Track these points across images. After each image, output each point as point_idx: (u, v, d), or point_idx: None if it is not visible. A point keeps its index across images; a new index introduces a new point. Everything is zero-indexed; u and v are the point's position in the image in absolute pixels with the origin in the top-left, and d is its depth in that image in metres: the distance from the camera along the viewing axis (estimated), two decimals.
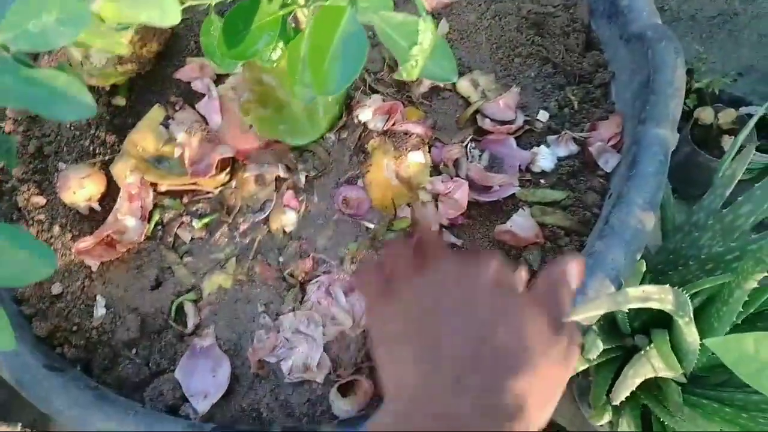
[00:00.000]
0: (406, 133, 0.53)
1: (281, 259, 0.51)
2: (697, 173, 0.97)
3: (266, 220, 0.52)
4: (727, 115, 0.93)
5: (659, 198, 0.48)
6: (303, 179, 0.52)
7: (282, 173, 0.53)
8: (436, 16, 0.61)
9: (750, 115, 1.00)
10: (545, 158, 0.53)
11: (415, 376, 0.33)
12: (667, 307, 0.39)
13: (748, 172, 1.01)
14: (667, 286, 0.39)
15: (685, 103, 1.01)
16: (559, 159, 0.54)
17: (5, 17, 0.29)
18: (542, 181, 0.53)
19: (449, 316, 0.34)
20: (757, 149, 0.98)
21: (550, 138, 0.55)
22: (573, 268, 0.37)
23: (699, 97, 0.99)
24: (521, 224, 0.48)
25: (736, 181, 0.58)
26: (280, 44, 0.43)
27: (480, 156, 0.53)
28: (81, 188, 0.52)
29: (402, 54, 0.32)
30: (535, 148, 0.54)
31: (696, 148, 0.96)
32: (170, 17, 0.35)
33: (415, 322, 0.35)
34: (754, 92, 1.02)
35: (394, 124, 0.53)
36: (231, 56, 0.38)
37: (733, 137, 0.96)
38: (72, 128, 0.56)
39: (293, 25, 0.44)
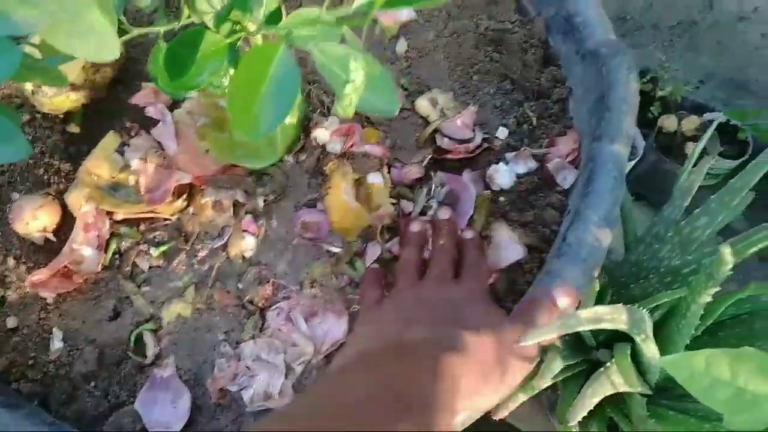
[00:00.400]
0: (364, 155, 0.53)
1: (240, 286, 0.50)
2: (664, 180, 0.99)
3: (225, 247, 0.51)
4: (690, 123, 0.95)
5: (615, 214, 0.49)
6: (261, 203, 0.52)
7: (240, 198, 0.52)
8: (393, 35, 0.61)
9: (712, 121, 1.02)
10: (503, 176, 0.53)
11: (372, 333, 0.40)
12: (621, 327, 0.39)
13: (712, 177, 1.03)
14: (620, 305, 0.39)
15: (650, 111, 1.03)
16: (519, 176, 0.54)
17: None
18: (501, 198, 0.53)
19: (415, 313, 0.41)
20: (721, 155, 1.00)
21: (509, 155, 0.55)
22: (561, 294, 0.41)
23: (663, 105, 1.00)
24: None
25: (694, 192, 0.59)
26: (231, 71, 0.43)
27: (440, 190, 0.53)
28: (34, 219, 0.51)
29: (340, 87, 0.32)
30: (494, 166, 0.54)
31: (661, 155, 0.97)
32: (108, 52, 0.34)
33: (387, 313, 0.42)
34: (715, 98, 1.04)
35: (352, 146, 0.53)
36: (175, 87, 0.37)
37: (696, 144, 0.97)
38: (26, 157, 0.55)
39: (247, 49, 0.44)
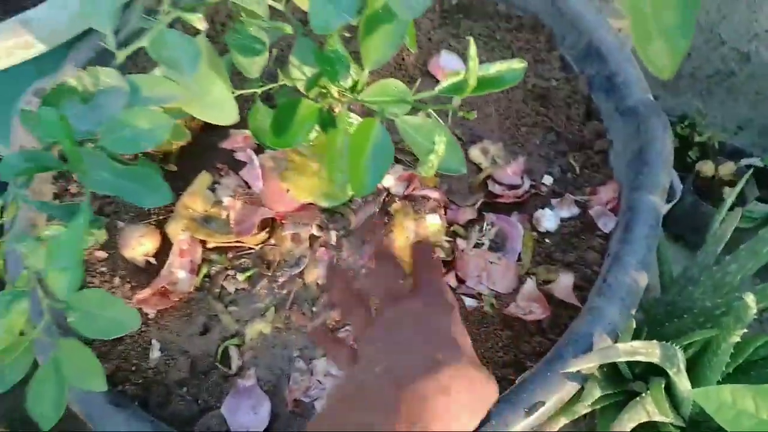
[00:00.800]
0: (424, 197, 0.60)
1: (314, 309, 0.57)
2: (701, 222, 1.02)
3: (301, 274, 0.59)
4: (726, 168, 0.99)
5: (651, 259, 0.54)
6: (334, 237, 0.59)
7: (315, 232, 0.60)
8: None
9: (750, 166, 1.06)
10: (549, 220, 0.59)
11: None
12: (654, 360, 0.44)
13: (751, 221, 1.06)
14: (654, 341, 0.44)
15: (688, 155, 1.07)
16: (563, 220, 0.60)
17: (106, 126, 0.36)
18: (547, 240, 0.59)
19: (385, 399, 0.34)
20: (759, 199, 1.03)
21: (554, 200, 0.61)
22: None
23: (701, 150, 1.05)
24: (528, 293, 0.55)
25: (726, 239, 0.63)
26: (316, 126, 0.51)
27: (490, 229, 0.59)
28: (140, 245, 0.59)
29: (420, 150, 0.39)
30: (540, 210, 0.60)
31: (698, 198, 1.01)
32: (229, 117, 0.43)
33: (364, 390, 0.36)
34: (754, 145, 1.07)
35: (413, 190, 0.60)
36: (278, 144, 0.45)
37: (732, 188, 1.01)
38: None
39: (327, 107, 0.52)
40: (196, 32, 0.43)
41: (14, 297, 0.35)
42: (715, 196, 1.01)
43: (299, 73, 0.49)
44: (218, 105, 0.42)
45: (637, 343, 0.43)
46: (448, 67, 0.68)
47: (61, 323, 0.39)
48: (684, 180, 1.05)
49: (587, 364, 0.44)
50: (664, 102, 1.13)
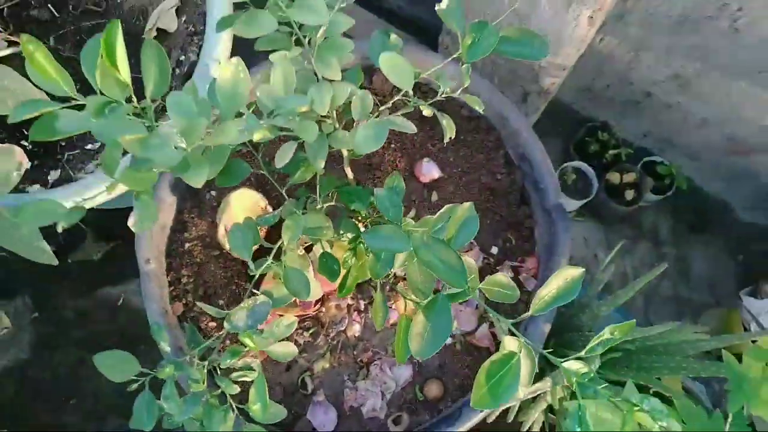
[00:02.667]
0: None
1: (355, 352, 0.94)
2: (609, 211, 1.40)
3: (344, 330, 0.94)
4: (629, 176, 1.34)
5: (554, 313, 0.92)
6: (363, 305, 0.94)
7: (350, 302, 0.94)
8: (427, 187, 0.99)
9: (652, 161, 1.41)
10: None
11: None
12: (548, 389, 0.83)
13: (647, 203, 1.43)
14: (547, 378, 0.83)
15: (604, 157, 1.41)
16: None
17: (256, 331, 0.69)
18: None
19: None
20: (651, 191, 1.39)
21: (499, 267, 0.96)
22: None
23: (615, 158, 1.38)
24: (483, 332, 0.92)
25: (605, 281, 1.01)
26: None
27: None
28: None
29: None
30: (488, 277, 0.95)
31: (607, 197, 1.37)
32: (315, 294, 0.75)
33: None
34: (654, 147, 1.41)
35: None
36: (331, 279, 0.78)
37: (633, 190, 1.37)
38: (222, 278, 0.96)
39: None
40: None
41: (226, 411, 0.71)
42: (619, 194, 1.37)
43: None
44: (310, 287, 0.74)
45: (537, 385, 0.82)
46: (428, 173, 0.98)
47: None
48: (600, 179, 1.40)
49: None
50: (590, 110, 1.43)
